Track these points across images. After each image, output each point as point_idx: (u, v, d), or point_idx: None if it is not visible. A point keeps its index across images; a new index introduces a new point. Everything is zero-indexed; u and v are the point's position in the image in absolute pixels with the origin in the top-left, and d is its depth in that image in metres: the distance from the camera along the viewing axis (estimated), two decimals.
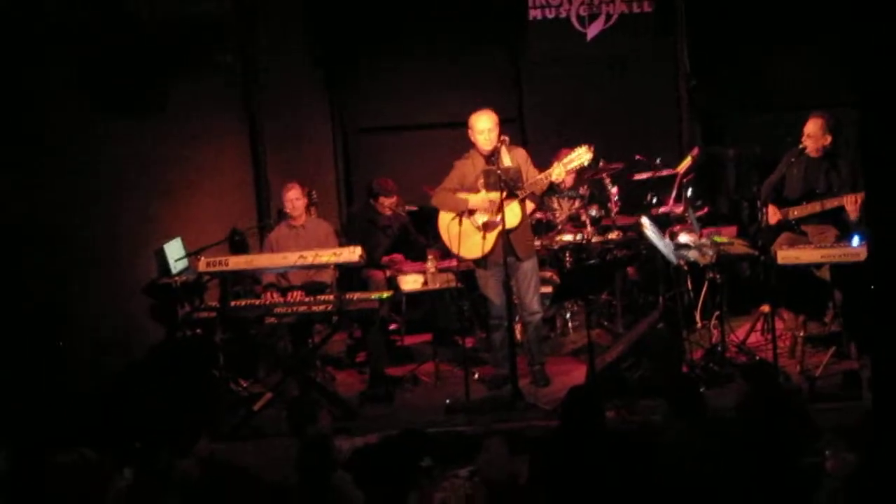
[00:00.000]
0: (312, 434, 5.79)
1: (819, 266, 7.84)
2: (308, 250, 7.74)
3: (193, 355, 7.93)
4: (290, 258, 7.70)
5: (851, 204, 7.90)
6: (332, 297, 7.70)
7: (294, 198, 8.60)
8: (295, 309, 7.80)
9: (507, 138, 7.82)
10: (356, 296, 7.75)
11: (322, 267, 7.72)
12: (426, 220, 9.11)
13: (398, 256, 9.06)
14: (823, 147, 8.21)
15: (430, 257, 8.57)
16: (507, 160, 7.79)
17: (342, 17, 10.99)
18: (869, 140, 5.03)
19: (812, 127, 8.21)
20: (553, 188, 8.46)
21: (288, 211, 8.67)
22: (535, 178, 7.73)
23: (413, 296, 8.91)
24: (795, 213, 8.32)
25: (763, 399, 5.79)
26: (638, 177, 9.62)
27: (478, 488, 5.67)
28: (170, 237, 8.44)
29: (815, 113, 8.28)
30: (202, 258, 7.84)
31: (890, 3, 4.82)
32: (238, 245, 9.23)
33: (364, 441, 6.85)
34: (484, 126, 7.74)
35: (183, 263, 8.30)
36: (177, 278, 8.15)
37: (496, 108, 7.96)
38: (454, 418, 7.50)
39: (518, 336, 8.39)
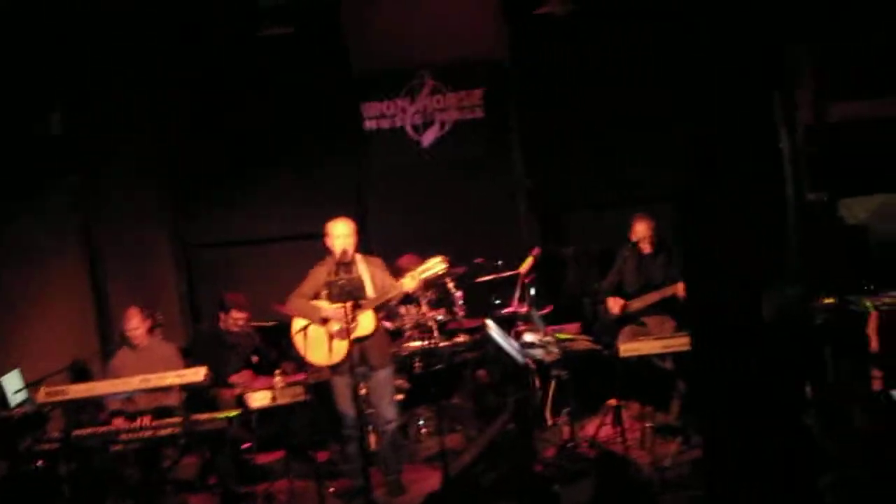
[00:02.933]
0: None
1: (662, 357, 8.05)
2: (151, 373, 7.61)
3: (36, 489, 7.64)
4: (133, 382, 7.53)
5: (684, 291, 8.18)
6: (178, 419, 7.55)
7: (133, 327, 8.48)
8: (141, 434, 7.63)
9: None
10: (204, 417, 7.62)
11: (166, 389, 7.58)
12: (279, 335, 9.03)
13: (247, 374, 8.95)
14: (654, 243, 8.58)
15: (277, 372, 8.48)
16: (361, 268, 7.83)
17: (185, 133, 10.98)
18: (687, 232, 5.26)
19: (640, 228, 8.62)
20: (408, 297, 8.50)
21: (129, 338, 8.51)
22: (387, 288, 7.77)
23: (264, 412, 8.78)
24: (636, 304, 8.59)
25: (615, 493, 5.90)
26: (481, 279, 9.75)
27: None
28: (6, 369, 8.17)
29: (640, 215, 8.68)
30: (41, 389, 7.61)
31: (705, 107, 5.08)
32: (80, 373, 8.99)
33: None
34: (340, 231, 7.79)
35: (22, 395, 8.06)
36: (16, 411, 7.89)
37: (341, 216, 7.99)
38: None
39: (373, 446, 8.38)
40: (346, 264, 7.76)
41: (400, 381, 8.85)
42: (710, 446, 5.32)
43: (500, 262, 9.66)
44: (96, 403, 8.36)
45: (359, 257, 7.88)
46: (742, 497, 5.13)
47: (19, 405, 8.01)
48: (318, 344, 7.76)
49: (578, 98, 10.51)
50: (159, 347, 8.63)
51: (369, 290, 7.77)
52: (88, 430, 7.82)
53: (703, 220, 5.09)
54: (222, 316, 9.11)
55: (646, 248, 8.64)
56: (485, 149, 10.96)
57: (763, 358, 5.12)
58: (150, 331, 8.66)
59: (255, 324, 9.42)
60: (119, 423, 7.93)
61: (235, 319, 9.07)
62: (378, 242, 10.51)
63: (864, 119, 9.60)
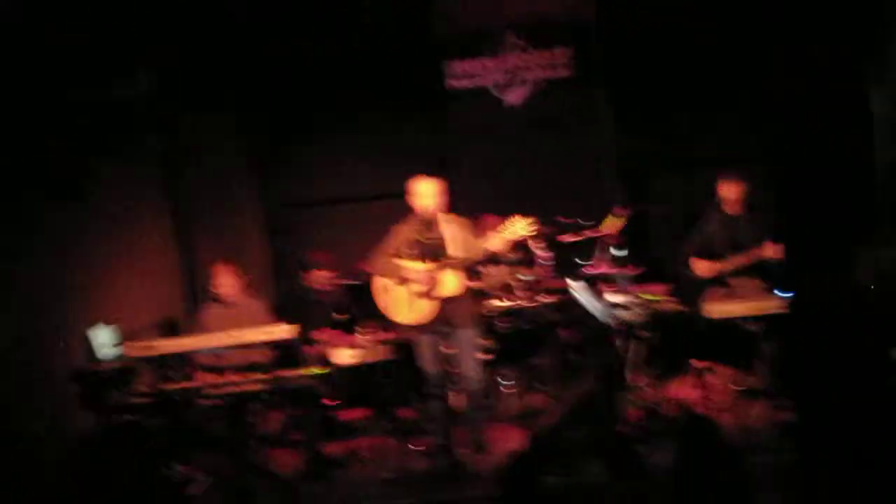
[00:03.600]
0: None
1: (749, 319, 7.94)
2: (240, 329, 7.69)
3: (126, 442, 7.77)
4: (221, 338, 7.62)
5: (773, 251, 8.07)
6: (264, 375, 7.62)
7: (223, 283, 8.56)
8: (227, 389, 7.71)
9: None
10: (290, 373, 7.68)
11: (255, 346, 7.66)
12: (365, 294, 9.06)
13: (333, 331, 9.00)
14: (741, 205, 8.45)
15: (363, 330, 8.52)
16: (444, 228, 7.82)
17: (268, 93, 11.04)
18: (783, 194, 5.18)
19: (727, 189, 8.47)
20: (494, 257, 8.46)
21: (220, 293, 8.60)
22: (471, 248, 7.74)
23: (349, 370, 8.84)
24: (723, 266, 8.47)
25: (700, 456, 5.82)
26: (567, 239, 9.67)
27: None
28: (98, 323, 8.31)
29: (726, 176, 8.52)
30: (130, 343, 7.73)
31: (795, 67, 4.98)
32: (169, 328, 9.12)
33: None
34: (424, 190, 7.79)
35: (112, 349, 8.17)
36: (106, 364, 8.01)
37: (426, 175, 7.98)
38: (393, 492, 7.44)
39: (457, 405, 8.41)
40: (429, 223, 7.75)
41: (484, 341, 8.84)
42: (801, 409, 5.24)
43: (586, 223, 9.58)
44: (185, 359, 8.46)
45: (442, 217, 7.86)
46: (833, 459, 5.05)
47: (109, 359, 8.11)
48: (401, 303, 7.78)
49: (666, 58, 10.41)
50: (249, 304, 8.72)
51: (454, 250, 7.75)
52: (176, 385, 7.92)
53: (796, 182, 5.00)
54: (305, 275, 9.17)
55: (733, 209, 8.50)
56: (571, 108, 10.88)
57: (857, 320, 5.03)
58: (243, 288, 8.74)
59: (341, 282, 9.46)
60: (207, 378, 8.02)
61: (320, 278, 9.12)
62: (462, 202, 10.46)
63: None
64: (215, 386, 7.78)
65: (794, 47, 8.63)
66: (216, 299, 8.68)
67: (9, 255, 7.58)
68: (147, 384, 8.10)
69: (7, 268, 7.54)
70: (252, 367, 8.10)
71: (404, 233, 7.88)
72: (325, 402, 8.92)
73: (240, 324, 8.04)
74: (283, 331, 7.51)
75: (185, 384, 7.95)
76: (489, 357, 8.57)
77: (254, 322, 8.10)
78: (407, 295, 7.78)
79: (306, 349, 8.78)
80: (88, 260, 8.48)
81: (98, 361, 8.11)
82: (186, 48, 9.83)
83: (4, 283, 7.52)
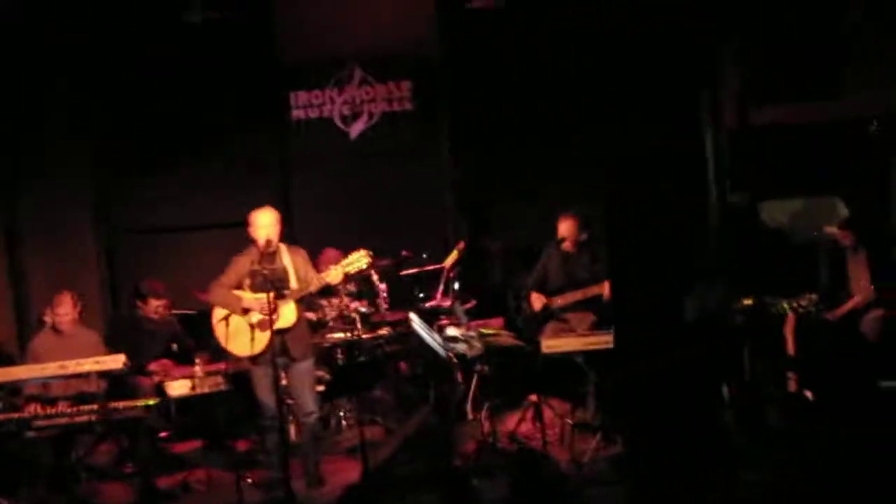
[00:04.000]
0: None
1: (582, 354, 8.11)
2: (72, 359, 7.50)
3: None
4: (51, 368, 7.44)
5: (608, 290, 8.25)
6: (95, 406, 7.45)
7: (64, 312, 8.34)
8: (57, 421, 7.52)
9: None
10: (121, 404, 7.54)
11: (85, 376, 7.49)
12: (199, 324, 8.94)
13: (166, 362, 8.85)
14: (578, 242, 8.64)
15: (197, 361, 8.41)
16: (286, 258, 7.77)
17: (110, 116, 10.85)
18: (611, 232, 5.29)
19: (565, 227, 8.70)
20: (328, 289, 8.46)
21: (56, 323, 8.37)
22: (309, 280, 7.73)
23: (184, 401, 8.69)
24: (559, 301, 8.65)
25: (533, 489, 5.92)
26: (406, 272, 9.74)
27: None
28: None
29: (565, 213, 8.74)
30: None
31: (637, 111, 5.12)
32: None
33: None
34: (264, 221, 7.71)
35: None
36: None
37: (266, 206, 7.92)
38: None
39: (293, 437, 8.35)
40: (269, 254, 7.70)
41: (321, 373, 8.80)
42: (631, 444, 5.36)
43: (425, 256, 9.67)
44: (13, 389, 8.21)
45: (283, 247, 7.82)
46: (661, 492, 5.19)
47: None
48: (240, 334, 7.70)
49: (507, 92, 10.55)
50: (82, 334, 8.49)
51: (292, 282, 7.73)
52: (2, 416, 7.67)
53: (627, 221, 5.12)
54: (139, 303, 9.01)
55: (570, 246, 8.70)
56: (412, 141, 10.98)
57: (683, 357, 5.17)
58: (77, 318, 8.52)
59: (176, 311, 9.33)
60: (35, 408, 7.79)
61: (154, 307, 8.97)
62: (303, 233, 10.45)
63: (787, 123, 9.76)
64: (44, 417, 7.56)
65: (629, 88, 8.86)
66: (51, 328, 8.44)
67: None
68: None
69: None
70: (83, 399, 7.91)
71: (243, 263, 7.80)
72: (158, 433, 8.75)
73: (73, 354, 7.87)
74: (114, 361, 7.40)
75: (10, 415, 7.71)
76: (326, 389, 8.52)
77: (86, 352, 7.93)
78: (245, 326, 7.70)
79: (140, 380, 8.61)
80: None
81: None
82: (20, 69, 9.60)
83: None
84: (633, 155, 5.24)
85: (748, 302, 8.14)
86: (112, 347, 8.28)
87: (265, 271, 7.50)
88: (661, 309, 5.11)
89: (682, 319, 5.17)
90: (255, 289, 7.64)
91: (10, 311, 9.64)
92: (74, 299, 8.42)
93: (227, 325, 7.70)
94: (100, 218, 11.02)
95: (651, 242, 5.16)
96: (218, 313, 7.81)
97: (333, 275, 7.68)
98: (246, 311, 7.70)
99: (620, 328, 5.33)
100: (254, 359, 7.74)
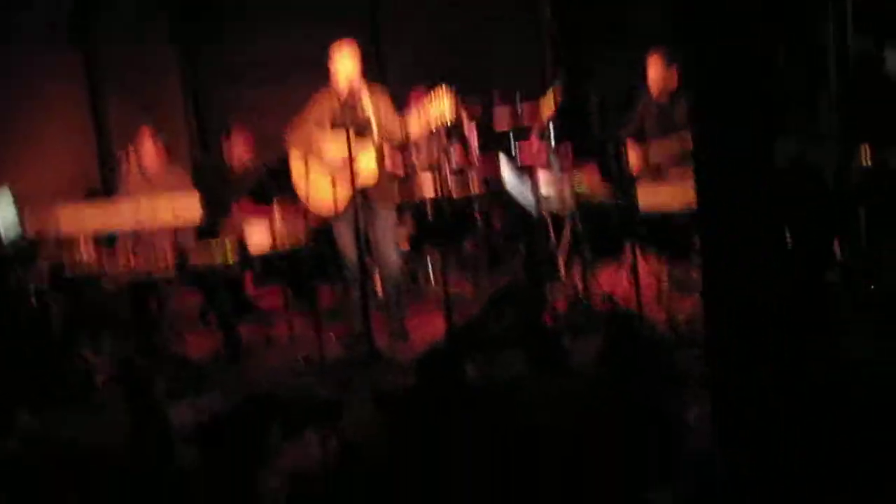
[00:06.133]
0: (145, 405, 5.45)
1: (684, 209, 7.66)
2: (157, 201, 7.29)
3: (24, 322, 7.39)
4: (126, 217, 7.23)
5: None
6: (177, 253, 7.29)
7: (145, 150, 8.05)
8: (134, 270, 7.34)
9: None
10: (200, 255, 7.35)
11: (171, 221, 7.29)
12: (283, 173, 8.66)
13: (248, 204, 8.56)
14: (670, 86, 8.05)
15: (278, 211, 8.15)
16: (367, 104, 7.40)
17: None
18: (692, 79, 4.77)
19: (654, 70, 8.08)
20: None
21: (139, 161, 8.13)
22: (391, 128, 7.36)
23: (265, 252, 8.47)
24: (655, 152, 8.13)
25: (624, 350, 5.62)
26: (500, 128, 9.32)
27: (329, 454, 5.36)
28: None
29: (654, 54, 8.11)
30: (31, 218, 7.32)
31: None
32: (81, 198, 8.63)
33: (209, 407, 6.45)
34: (344, 60, 7.35)
35: (13, 222, 7.70)
36: (6, 240, 7.56)
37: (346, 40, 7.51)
38: (308, 380, 7.14)
39: (378, 291, 8.11)
40: (350, 94, 7.33)
41: (405, 226, 8.50)
42: (715, 296, 4.91)
43: (519, 100, 9.22)
44: (95, 234, 8.02)
45: (364, 91, 7.44)
46: (748, 356, 4.77)
47: (8, 232, 7.65)
48: (321, 189, 7.42)
49: None
50: (171, 174, 8.22)
51: (375, 125, 7.36)
52: (83, 263, 7.50)
53: (713, 63, 4.56)
54: (226, 148, 8.74)
55: (659, 93, 8.11)
56: None
57: (778, 208, 4.68)
58: (161, 156, 8.27)
59: (262, 160, 9.05)
60: (117, 255, 7.59)
61: (240, 152, 8.71)
62: (393, 72, 10.09)
63: None
64: (123, 266, 7.38)
65: None
66: (137, 168, 8.20)
67: None
68: (52, 263, 7.70)
69: None
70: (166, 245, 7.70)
71: (325, 101, 7.44)
72: (241, 283, 8.59)
73: (157, 196, 7.63)
74: (191, 210, 7.13)
75: (90, 263, 7.54)
76: (411, 243, 8.23)
77: (174, 191, 7.67)
78: (325, 175, 7.39)
79: (222, 223, 8.39)
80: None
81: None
82: None
83: None
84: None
85: (867, 161, 7.53)
86: (199, 191, 8.04)
87: (346, 114, 7.16)
88: (751, 157, 4.58)
89: (772, 167, 4.63)
90: (335, 130, 7.29)
91: (93, 153, 9.40)
92: (154, 136, 8.14)
93: (308, 178, 7.40)
94: (185, 59, 10.74)
95: (740, 91, 4.60)
96: (298, 167, 7.52)
97: (415, 119, 7.31)
98: (324, 156, 7.37)
99: (706, 179, 4.83)
100: (335, 209, 7.45)
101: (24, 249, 7.57)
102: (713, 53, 4.56)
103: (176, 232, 7.48)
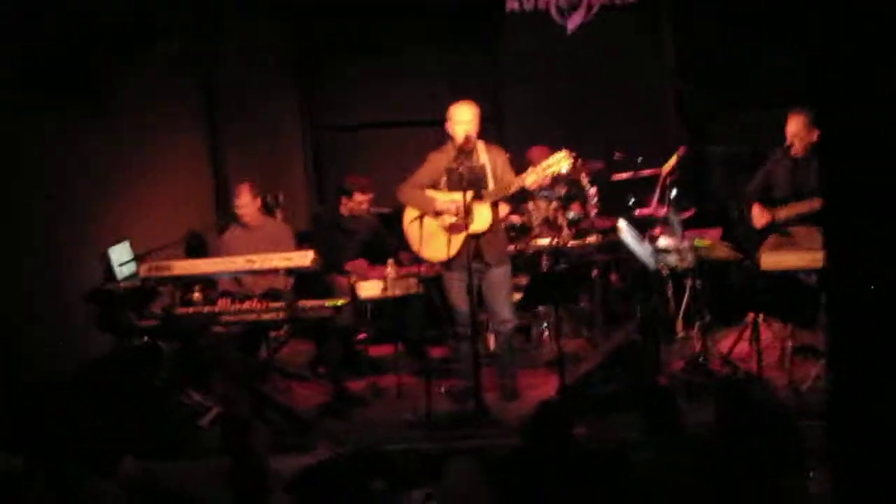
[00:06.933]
0: (245, 452, 5.37)
1: (809, 272, 7.35)
2: (261, 254, 7.30)
3: (136, 365, 7.41)
4: (238, 262, 7.26)
5: None
6: (284, 303, 7.23)
7: (243, 204, 8.16)
8: (244, 317, 7.34)
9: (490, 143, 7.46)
10: (310, 303, 7.29)
11: (274, 272, 7.27)
12: (396, 224, 8.61)
13: (362, 262, 8.54)
14: (810, 144, 7.75)
15: (389, 262, 8.09)
16: (483, 157, 7.34)
17: (315, 6, 10.54)
18: (826, 139, 4.52)
19: (794, 125, 7.81)
20: (525, 192, 8.01)
21: (238, 213, 8.21)
22: (507, 182, 7.25)
23: (380, 303, 8.40)
24: (783, 213, 7.86)
25: (742, 415, 5.36)
26: (618, 177, 9.15)
27: None
28: (117, 240, 7.91)
29: (795, 111, 7.84)
30: (145, 263, 7.40)
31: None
32: (196, 249, 8.71)
33: (313, 460, 6.35)
34: (463, 117, 7.29)
35: (129, 268, 7.78)
36: (122, 284, 7.63)
37: (466, 100, 7.46)
38: (414, 434, 7.03)
39: (490, 347, 7.98)
40: (467, 152, 7.25)
41: (520, 280, 8.33)
42: (838, 371, 4.62)
43: (640, 159, 9.03)
44: (209, 282, 8.08)
45: (481, 145, 7.37)
46: (873, 430, 4.47)
47: (126, 278, 7.73)
48: (433, 237, 7.35)
49: None
50: (273, 228, 8.32)
51: (490, 182, 7.27)
52: (191, 310, 7.53)
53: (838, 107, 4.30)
54: (344, 200, 8.72)
55: (799, 150, 7.82)
56: (633, 38, 10.27)
57: None
58: (262, 209, 8.33)
59: (376, 209, 9.01)
60: (224, 304, 7.61)
61: (358, 203, 8.67)
62: (513, 132, 9.99)
63: None
64: (231, 313, 7.39)
65: None
66: (237, 221, 8.26)
67: (31, 172, 7.20)
68: (164, 306, 7.74)
69: (28, 185, 7.15)
70: (272, 296, 7.69)
71: (440, 161, 7.39)
72: (354, 336, 8.52)
73: (262, 248, 7.68)
74: (301, 257, 7.15)
75: (202, 308, 7.56)
76: (524, 296, 8.04)
77: (276, 247, 7.72)
78: (438, 228, 7.32)
79: (336, 279, 8.37)
80: (109, 174, 8.07)
81: (116, 280, 7.74)
82: None
83: (19, 199, 7.14)
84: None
85: None
86: (313, 245, 8.04)
87: (461, 169, 7.07)
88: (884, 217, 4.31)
89: None
90: (450, 187, 7.24)
91: (210, 205, 9.49)
92: (254, 190, 8.21)
93: (421, 226, 7.34)
94: (304, 112, 10.81)
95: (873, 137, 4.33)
96: (410, 214, 7.47)
97: (531, 176, 7.18)
98: (438, 214, 7.30)
99: (834, 238, 4.57)
100: (447, 263, 7.38)
101: (137, 291, 7.62)
102: (849, 110, 4.33)
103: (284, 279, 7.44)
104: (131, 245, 7.97)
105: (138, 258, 7.74)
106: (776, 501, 4.93)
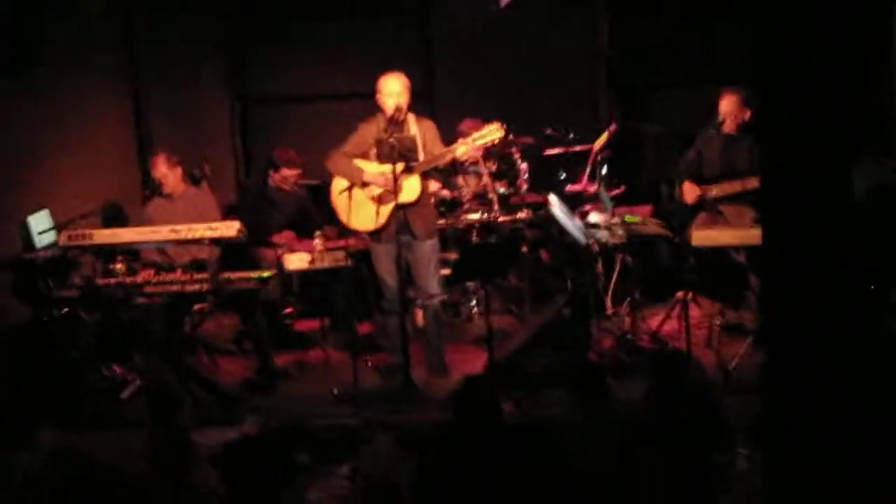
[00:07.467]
0: (168, 425, 5.28)
1: (738, 249, 7.38)
2: (184, 224, 7.15)
3: (54, 336, 7.23)
4: (161, 232, 7.11)
5: None
6: (209, 275, 7.09)
7: (161, 174, 8.03)
8: (167, 288, 7.17)
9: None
10: (235, 275, 7.16)
11: (198, 242, 7.12)
12: (324, 196, 8.50)
13: (290, 234, 8.43)
14: (743, 122, 7.77)
15: (317, 234, 7.98)
16: (414, 129, 7.25)
17: None
18: (765, 120, 4.51)
19: (727, 104, 7.82)
20: (456, 165, 7.93)
21: (159, 185, 8.07)
22: (437, 153, 7.17)
23: (306, 278, 8.29)
24: (714, 191, 7.86)
25: (671, 392, 5.36)
26: (550, 152, 9.09)
27: (356, 489, 5.34)
28: (37, 208, 7.71)
29: (728, 89, 7.86)
30: (64, 231, 7.21)
31: None
32: (115, 218, 8.52)
33: (237, 433, 6.25)
34: (392, 88, 7.19)
35: (49, 237, 7.59)
36: (41, 253, 7.44)
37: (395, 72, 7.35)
38: (339, 409, 6.96)
39: (418, 322, 7.91)
40: (397, 123, 7.15)
41: (449, 255, 8.26)
42: (776, 350, 4.64)
43: (572, 136, 8.99)
44: (132, 253, 7.91)
45: (411, 117, 7.28)
46: (806, 412, 4.50)
47: (46, 247, 7.54)
48: (362, 207, 7.24)
49: None
50: (197, 198, 8.18)
51: (420, 153, 7.18)
52: (112, 280, 7.35)
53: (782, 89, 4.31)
54: (272, 173, 8.59)
55: (731, 128, 7.82)
56: (566, 13, 10.15)
57: (847, 248, 4.40)
58: (186, 179, 8.18)
59: (305, 182, 8.88)
60: (147, 274, 7.44)
61: (286, 177, 8.55)
62: (444, 107, 9.88)
63: None
64: (155, 283, 7.23)
65: None
66: (159, 192, 8.11)
67: None
68: (85, 276, 7.56)
69: None
70: (196, 266, 7.54)
71: (369, 131, 7.28)
72: (280, 309, 8.40)
73: (186, 218, 7.51)
74: (227, 227, 7.01)
75: (124, 279, 7.39)
76: (452, 271, 7.97)
77: (201, 217, 7.55)
78: (366, 199, 7.22)
79: (263, 252, 8.24)
80: (29, 140, 7.85)
81: (35, 249, 7.55)
82: None
83: None
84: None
85: None
86: (239, 216, 7.90)
87: (392, 140, 6.97)
88: (820, 190, 4.31)
89: (846, 202, 4.36)
90: (380, 158, 7.12)
91: (135, 175, 9.29)
92: (170, 160, 8.08)
93: (350, 198, 7.24)
94: (231, 85, 10.62)
95: (813, 114, 4.33)
96: (339, 185, 7.36)
97: (462, 147, 7.12)
98: (366, 185, 7.21)
99: (770, 214, 4.57)
100: (375, 234, 7.28)
101: (57, 260, 7.43)
102: (786, 78, 4.33)
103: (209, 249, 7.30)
104: (51, 213, 7.79)
105: (59, 227, 7.57)
106: (704, 478, 4.95)
